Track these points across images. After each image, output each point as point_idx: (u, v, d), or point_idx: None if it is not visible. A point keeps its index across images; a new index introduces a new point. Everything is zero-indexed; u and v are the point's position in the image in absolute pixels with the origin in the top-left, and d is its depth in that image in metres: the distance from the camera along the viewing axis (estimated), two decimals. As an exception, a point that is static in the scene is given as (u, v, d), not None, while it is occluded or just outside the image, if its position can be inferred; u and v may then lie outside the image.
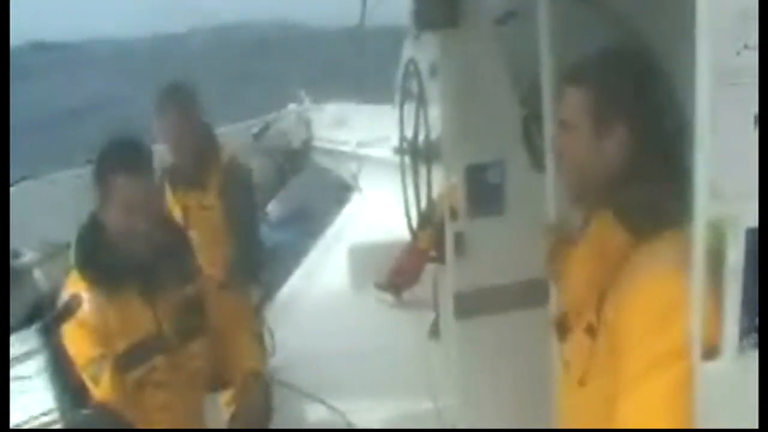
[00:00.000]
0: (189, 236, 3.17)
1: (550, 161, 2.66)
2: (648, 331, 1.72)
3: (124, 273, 2.76)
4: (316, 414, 4.41)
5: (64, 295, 2.77)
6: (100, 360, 2.67)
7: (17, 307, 6.42)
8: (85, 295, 2.71)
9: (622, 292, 1.84)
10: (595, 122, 1.96)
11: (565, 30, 2.92)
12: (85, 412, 2.70)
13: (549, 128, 2.73)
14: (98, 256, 2.78)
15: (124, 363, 2.73)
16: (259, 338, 4.43)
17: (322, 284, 6.62)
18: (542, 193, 2.77)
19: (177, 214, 4.10)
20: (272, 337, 4.74)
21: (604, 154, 1.95)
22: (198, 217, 4.20)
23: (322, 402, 4.39)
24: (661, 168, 1.88)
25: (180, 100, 4.25)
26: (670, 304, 1.62)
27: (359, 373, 4.71)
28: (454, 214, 3.59)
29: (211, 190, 4.31)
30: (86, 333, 2.69)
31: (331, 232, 8.12)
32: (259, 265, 4.56)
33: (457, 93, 3.56)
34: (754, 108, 1.26)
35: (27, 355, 5.18)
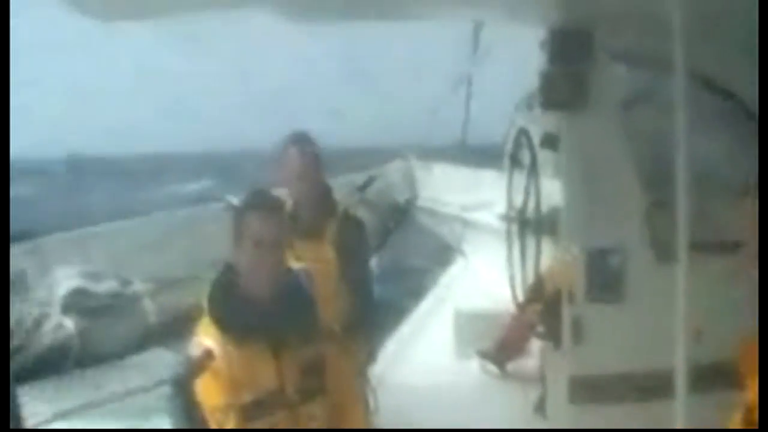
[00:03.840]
0: (313, 296, 3.19)
1: (682, 251, 2.63)
2: None
3: (254, 323, 2.85)
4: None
5: (196, 348, 2.87)
6: (227, 408, 2.77)
7: (125, 334, 6.61)
8: (216, 347, 2.81)
9: None
10: None
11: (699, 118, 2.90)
12: None
13: (682, 216, 2.71)
14: (231, 304, 2.90)
15: (249, 414, 2.81)
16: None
17: (425, 347, 6.56)
18: (664, 284, 2.73)
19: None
20: (375, 398, 4.71)
21: None
22: (313, 270, 4.24)
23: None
24: None
25: (306, 147, 4.32)
26: None
27: None
28: (571, 296, 3.55)
29: (327, 241, 4.32)
30: (215, 381, 2.79)
31: (434, 294, 8.08)
32: (373, 321, 4.54)
33: (580, 172, 3.55)
34: None
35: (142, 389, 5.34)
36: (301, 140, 4.36)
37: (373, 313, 4.54)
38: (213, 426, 2.77)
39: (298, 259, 4.26)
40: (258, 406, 2.83)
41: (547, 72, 3.55)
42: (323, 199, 4.40)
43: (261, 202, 2.99)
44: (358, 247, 4.42)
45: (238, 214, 2.97)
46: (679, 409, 2.65)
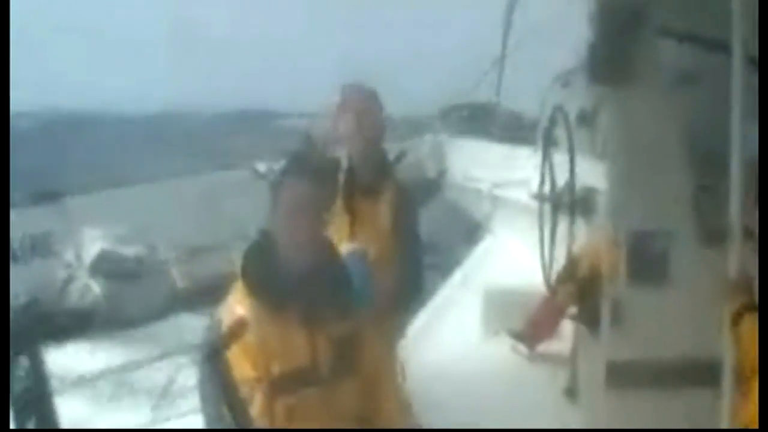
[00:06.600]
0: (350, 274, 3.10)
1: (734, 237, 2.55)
2: None
3: (288, 294, 2.78)
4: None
5: (228, 316, 2.80)
6: (255, 382, 2.73)
7: (151, 301, 6.59)
8: (248, 315, 2.75)
9: None
10: None
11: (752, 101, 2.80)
12: None
13: (735, 201, 2.63)
14: (265, 271, 2.83)
15: (277, 389, 2.76)
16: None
17: (454, 325, 6.45)
18: (709, 269, 2.65)
19: (344, 220, 4.08)
20: (404, 373, 4.65)
21: None
22: (367, 228, 4.14)
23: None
24: None
25: (366, 96, 4.25)
26: None
27: (491, 425, 4.56)
28: (610, 278, 3.45)
29: (384, 203, 4.22)
30: (245, 351, 2.73)
31: (462, 271, 7.99)
32: (421, 288, 4.47)
33: (625, 151, 3.45)
34: None
35: (160, 357, 5.31)
36: (360, 89, 4.29)
37: (422, 280, 4.47)
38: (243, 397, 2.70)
39: (351, 214, 4.19)
40: (289, 381, 2.77)
41: (594, 45, 3.44)
42: (381, 158, 4.31)
43: (298, 168, 2.93)
44: (414, 217, 4.35)
45: (277, 180, 2.93)
46: (725, 400, 2.57)
